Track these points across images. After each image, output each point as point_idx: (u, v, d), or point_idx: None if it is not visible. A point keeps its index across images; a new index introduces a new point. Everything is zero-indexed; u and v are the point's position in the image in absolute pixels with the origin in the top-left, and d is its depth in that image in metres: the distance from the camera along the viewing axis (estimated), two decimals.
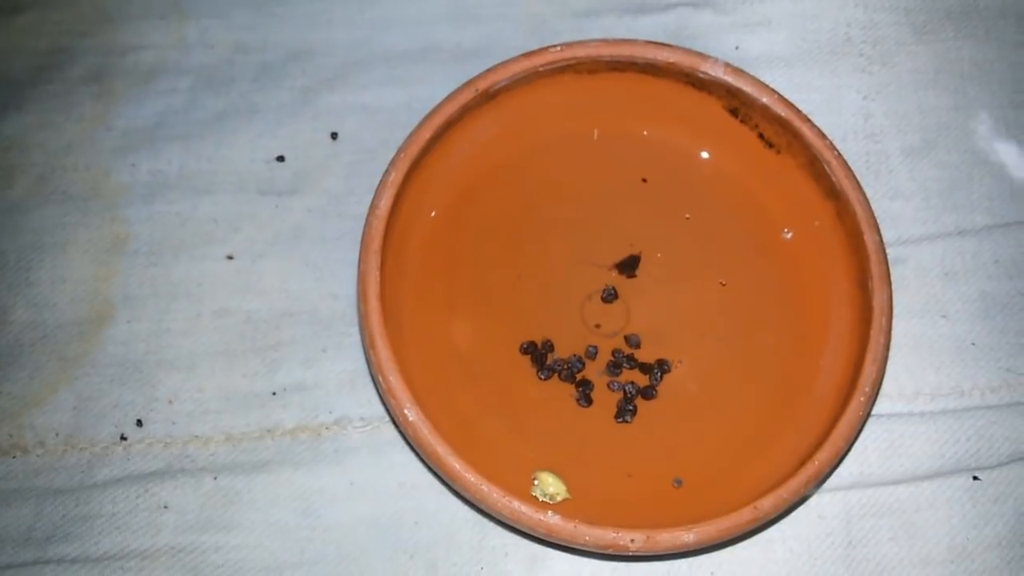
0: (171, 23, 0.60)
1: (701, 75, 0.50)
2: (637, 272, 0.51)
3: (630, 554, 0.41)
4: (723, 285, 0.50)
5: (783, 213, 0.51)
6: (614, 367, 0.49)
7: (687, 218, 0.52)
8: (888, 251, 0.47)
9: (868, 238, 0.47)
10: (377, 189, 0.47)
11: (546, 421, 0.48)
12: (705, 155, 0.53)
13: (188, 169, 0.56)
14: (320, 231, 0.54)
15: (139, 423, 0.50)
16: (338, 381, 0.50)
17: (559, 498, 0.45)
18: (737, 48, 0.58)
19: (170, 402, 0.50)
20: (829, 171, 0.48)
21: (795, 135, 0.49)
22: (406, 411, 0.43)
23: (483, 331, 0.50)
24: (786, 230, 0.51)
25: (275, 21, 0.60)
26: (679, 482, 0.46)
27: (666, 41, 0.51)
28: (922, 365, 0.51)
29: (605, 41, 0.50)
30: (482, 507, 0.42)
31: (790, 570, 0.47)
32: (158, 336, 0.52)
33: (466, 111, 0.49)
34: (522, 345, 0.49)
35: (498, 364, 0.49)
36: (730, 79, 0.50)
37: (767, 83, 0.50)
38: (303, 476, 0.48)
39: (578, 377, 0.49)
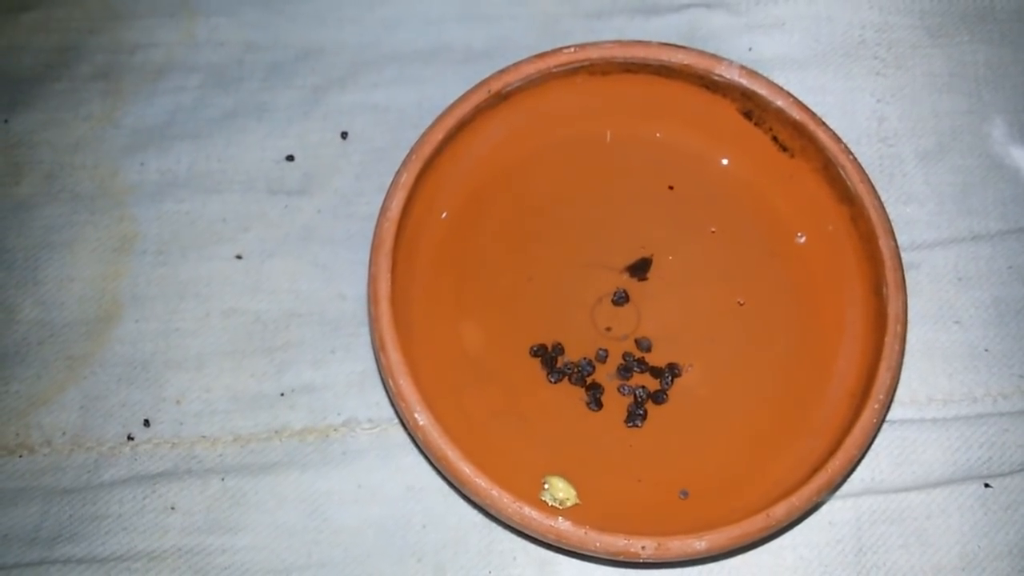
0: (180, 21, 0.60)
1: (716, 77, 0.50)
2: (648, 275, 0.51)
3: (640, 561, 0.41)
4: (741, 304, 0.50)
5: (797, 217, 0.51)
6: (624, 371, 0.49)
7: (699, 221, 0.52)
8: (902, 256, 0.47)
9: (883, 243, 0.46)
10: (388, 190, 0.46)
11: (556, 425, 0.48)
12: (718, 158, 0.53)
13: (197, 168, 0.55)
14: (330, 231, 0.54)
15: (146, 423, 0.50)
16: (347, 382, 0.50)
17: (569, 503, 0.44)
18: (750, 50, 0.58)
19: (178, 402, 0.50)
20: (844, 175, 0.48)
21: (810, 139, 0.49)
22: (416, 415, 0.42)
23: (493, 334, 0.49)
24: (800, 234, 0.51)
25: (285, 20, 0.60)
26: (685, 494, 0.46)
27: (679, 43, 0.51)
28: (935, 371, 0.50)
29: (619, 42, 0.50)
30: (492, 512, 0.42)
31: None
32: (166, 336, 0.51)
33: (478, 112, 0.49)
34: (532, 348, 0.49)
35: (508, 367, 0.49)
36: (745, 82, 0.49)
37: (781, 86, 0.50)
38: (311, 478, 0.48)
39: (588, 381, 0.49)
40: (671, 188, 0.52)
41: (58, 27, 0.60)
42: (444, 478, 0.47)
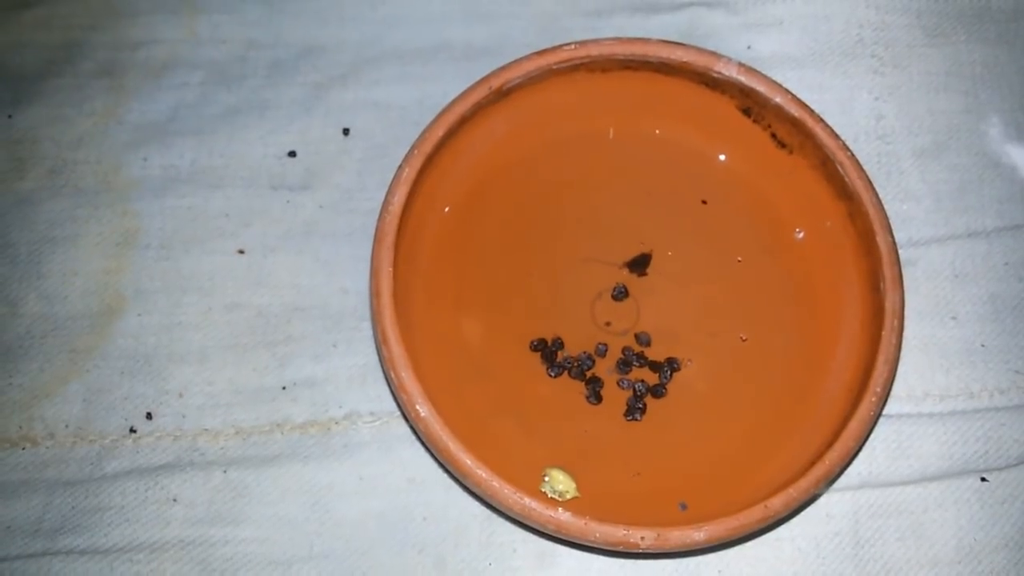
0: (182, 18, 0.60)
1: (715, 75, 0.50)
2: (648, 270, 0.51)
3: (640, 551, 0.42)
4: (739, 300, 0.50)
5: (795, 213, 0.51)
6: (624, 365, 0.49)
7: (698, 217, 0.52)
8: (899, 252, 0.47)
9: (880, 239, 0.47)
10: (391, 185, 0.47)
11: (556, 418, 0.48)
12: (717, 155, 0.53)
13: (199, 164, 0.56)
14: (331, 226, 0.54)
15: (149, 416, 0.50)
16: (348, 376, 0.50)
17: (568, 496, 0.45)
18: (749, 48, 0.58)
19: (180, 395, 0.50)
20: (842, 171, 0.48)
21: (808, 135, 0.49)
22: (418, 407, 0.43)
23: (494, 328, 0.50)
24: (798, 230, 0.51)
25: (287, 17, 0.60)
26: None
27: (678, 40, 0.51)
28: (931, 366, 0.51)
29: (619, 40, 0.50)
30: (493, 503, 0.43)
31: (798, 569, 0.47)
32: (169, 329, 0.52)
33: (479, 108, 0.49)
34: (532, 342, 0.49)
35: (508, 361, 0.49)
36: (743, 79, 0.50)
37: (779, 83, 0.50)
38: (312, 470, 0.48)
39: (588, 375, 0.49)
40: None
41: (61, 24, 0.60)
42: (445, 470, 0.48)
